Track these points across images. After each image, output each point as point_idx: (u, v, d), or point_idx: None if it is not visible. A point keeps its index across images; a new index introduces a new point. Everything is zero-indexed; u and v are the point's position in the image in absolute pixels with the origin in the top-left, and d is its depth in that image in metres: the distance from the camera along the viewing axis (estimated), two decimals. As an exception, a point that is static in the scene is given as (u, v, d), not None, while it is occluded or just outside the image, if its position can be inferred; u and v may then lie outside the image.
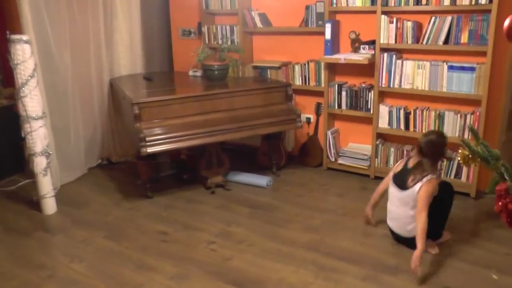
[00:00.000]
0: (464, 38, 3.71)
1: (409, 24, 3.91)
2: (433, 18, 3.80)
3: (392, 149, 4.24)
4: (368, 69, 4.21)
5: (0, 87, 4.92)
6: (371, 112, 4.27)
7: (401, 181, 3.06)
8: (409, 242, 3.00)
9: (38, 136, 3.62)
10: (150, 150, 3.66)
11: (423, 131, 4.02)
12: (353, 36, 4.24)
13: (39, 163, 3.68)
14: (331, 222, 3.57)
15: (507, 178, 1.83)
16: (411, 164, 3.08)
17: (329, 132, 4.55)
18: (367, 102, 4.29)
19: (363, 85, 4.31)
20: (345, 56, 4.19)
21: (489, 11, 3.51)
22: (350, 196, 4.04)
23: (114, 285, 2.83)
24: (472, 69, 3.70)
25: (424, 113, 4.00)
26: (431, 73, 3.89)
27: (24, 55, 3.46)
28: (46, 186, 3.76)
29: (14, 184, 4.44)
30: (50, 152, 3.78)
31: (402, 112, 4.11)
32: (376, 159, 4.34)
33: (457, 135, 3.88)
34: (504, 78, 3.69)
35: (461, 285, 2.75)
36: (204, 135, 3.85)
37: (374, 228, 3.41)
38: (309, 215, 3.70)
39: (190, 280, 2.87)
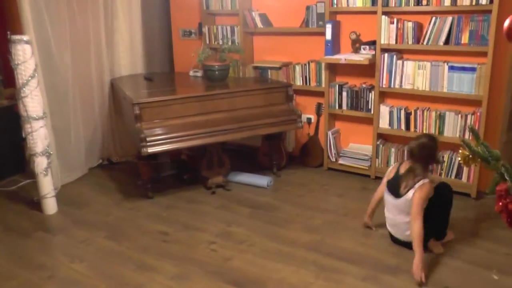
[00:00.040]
0: (465, 38, 3.71)
1: (410, 24, 3.91)
2: (433, 19, 3.80)
3: (393, 150, 4.24)
4: (368, 69, 4.21)
5: (1, 87, 4.92)
6: (372, 112, 4.27)
7: (395, 188, 3.06)
8: (409, 245, 2.99)
9: (38, 136, 3.63)
10: (150, 150, 3.66)
11: (424, 131, 4.02)
12: (353, 36, 4.24)
13: (40, 163, 3.68)
14: (331, 223, 3.57)
15: (507, 178, 1.83)
16: (402, 169, 3.07)
17: (329, 133, 4.55)
18: (367, 102, 4.29)
19: (364, 85, 4.31)
20: (345, 56, 4.20)
21: (489, 11, 3.51)
22: (351, 197, 4.04)
23: (115, 285, 2.83)
24: (472, 69, 3.70)
25: (425, 113, 4.00)
26: (432, 73, 3.89)
27: (25, 56, 3.47)
28: (47, 186, 3.77)
29: (14, 184, 4.44)
30: (51, 152, 3.78)
31: (402, 112, 4.11)
32: (377, 159, 4.34)
33: (457, 135, 3.88)
34: (504, 78, 3.69)
35: (461, 285, 2.75)
36: (204, 135, 3.86)
37: (375, 228, 3.41)
38: (309, 215, 3.70)
39: (191, 280, 2.87)
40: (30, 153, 3.70)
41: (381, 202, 3.29)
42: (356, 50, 4.27)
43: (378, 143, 4.31)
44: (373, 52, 4.14)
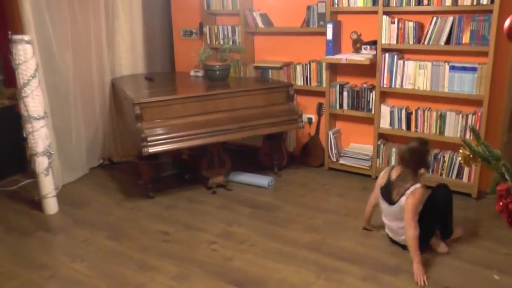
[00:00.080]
0: (466, 38, 3.70)
1: (411, 24, 3.91)
2: (434, 19, 3.80)
3: (394, 149, 4.24)
4: (369, 69, 4.21)
5: (2, 87, 4.93)
6: (373, 112, 4.27)
7: (388, 194, 3.05)
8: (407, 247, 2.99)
9: (39, 136, 3.63)
10: (151, 150, 3.66)
11: (425, 131, 4.03)
12: (354, 36, 4.24)
13: (41, 163, 3.68)
14: (332, 222, 3.57)
15: (508, 178, 1.83)
16: (394, 175, 3.06)
17: (330, 132, 4.55)
18: (368, 102, 4.29)
19: (365, 85, 4.31)
20: (346, 56, 4.19)
21: (490, 11, 3.50)
22: (352, 196, 4.04)
23: (116, 285, 2.84)
24: (473, 69, 3.70)
25: (426, 113, 4.00)
26: (433, 73, 3.89)
27: (26, 55, 3.47)
28: (48, 186, 3.77)
29: (15, 184, 4.44)
30: (52, 152, 3.78)
31: (403, 112, 4.11)
32: (378, 159, 4.34)
33: (458, 135, 3.88)
34: (505, 78, 3.68)
35: (461, 285, 2.75)
36: (205, 135, 3.86)
37: (375, 229, 3.41)
38: (310, 215, 3.70)
39: (192, 280, 2.87)
40: (31, 152, 3.70)
41: (376, 207, 3.28)
42: (357, 50, 4.27)
43: (379, 143, 4.31)
44: (374, 52, 4.13)
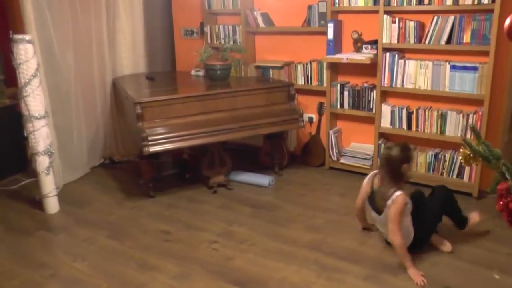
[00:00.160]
0: (467, 37, 3.70)
1: (412, 23, 3.90)
2: (435, 18, 3.79)
3: (394, 149, 4.24)
4: (370, 68, 4.21)
5: (3, 86, 4.93)
6: (374, 111, 4.26)
7: (373, 203, 3.04)
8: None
9: (40, 135, 3.64)
10: (152, 149, 3.66)
11: (426, 131, 4.03)
12: (355, 35, 4.24)
13: (42, 162, 3.69)
14: (333, 222, 3.57)
15: (508, 177, 1.83)
16: (376, 182, 3.04)
17: (331, 132, 4.55)
18: (369, 101, 4.29)
19: (366, 84, 4.31)
20: (347, 55, 4.19)
21: (491, 10, 3.50)
22: (352, 196, 4.00)
23: (117, 284, 2.84)
24: (474, 68, 3.70)
25: (427, 112, 3.99)
26: (434, 72, 3.89)
27: (27, 55, 3.47)
28: (49, 185, 3.77)
29: (16, 183, 4.45)
30: (53, 151, 3.79)
31: (404, 111, 4.11)
32: (378, 158, 4.33)
33: (459, 134, 3.88)
34: (506, 77, 3.68)
35: (462, 284, 2.74)
36: (206, 134, 3.86)
37: (375, 227, 3.41)
38: (311, 214, 3.70)
39: (192, 279, 2.87)
40: (32, 152, 3.71)
41: (364, 208, 3.25)
42: (358, 50, 4.27)
43: (379, 142, 4.31)
44: (375, 52, 4.13)
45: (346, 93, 4.40)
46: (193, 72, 5.02)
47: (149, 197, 4.08)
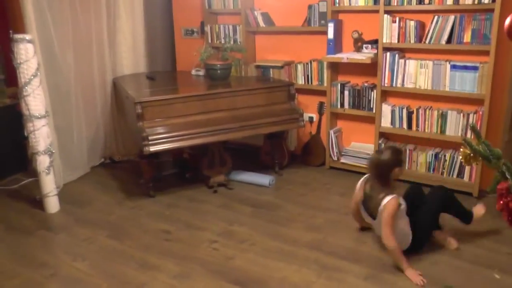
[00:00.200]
0: (467, 37, 3.70)
1: (412, 23, 3.90)
2: (436, 18, 3.79)
3: (395, 149, 4.24)
4: (370, 68, 4.21)
5: (3, 86, 4.93)
6: (374, 111, 4.26)
7: (367, 208, 3.04)
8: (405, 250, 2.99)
9: (41, 135, 3.64)
10: (152, 149, 3.66)
11: (426, 130, 4.03)
12: (355, 35, 4.24)
13: (42, 161, 3.69)
14: (333, 221, 3.57)
15: (508, 177, 1.83)
16: (367, 187, 3.03)
17: (331, 131, 4.55)
18: (369, 101, 4.29)
19: (366, 84, 4.31)
20: (347, 55, 4.19)
21: (492, 10, 3.50)
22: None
23: (117, 284, 2.84)
24: (475, 68, 3.70)
25: (427, 112, 3.99)
26: (434, 72, 3.89)
27: (27, 55, 3.47)
28: (49, 184, 3.78)
29: (16, 183, 4.45)
30: (53, 151, 3.79)
31: (404, 111, 4.11)
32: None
33: (459, 134, 3.88)
34: (507, 77, 3.68)
35: (462, 284, 2.74)
36: (206, 134, 3.86)
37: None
38: (311, 214, 3.70)
39: (193, 279, 2.87)
40: (32, 151, 3.71)
41: (360, 210, 3.23)
42: (358, 49, 4.27)
43: (380, 142, 4.30)
44: (375, 51, 4.13)
45: (346, 92, 4.40)
46: (193, 72, 5.02)
47: (149, 196, 4.08)
